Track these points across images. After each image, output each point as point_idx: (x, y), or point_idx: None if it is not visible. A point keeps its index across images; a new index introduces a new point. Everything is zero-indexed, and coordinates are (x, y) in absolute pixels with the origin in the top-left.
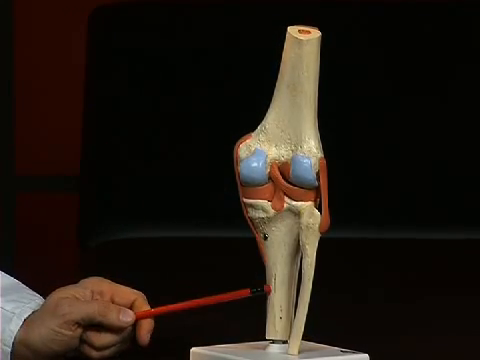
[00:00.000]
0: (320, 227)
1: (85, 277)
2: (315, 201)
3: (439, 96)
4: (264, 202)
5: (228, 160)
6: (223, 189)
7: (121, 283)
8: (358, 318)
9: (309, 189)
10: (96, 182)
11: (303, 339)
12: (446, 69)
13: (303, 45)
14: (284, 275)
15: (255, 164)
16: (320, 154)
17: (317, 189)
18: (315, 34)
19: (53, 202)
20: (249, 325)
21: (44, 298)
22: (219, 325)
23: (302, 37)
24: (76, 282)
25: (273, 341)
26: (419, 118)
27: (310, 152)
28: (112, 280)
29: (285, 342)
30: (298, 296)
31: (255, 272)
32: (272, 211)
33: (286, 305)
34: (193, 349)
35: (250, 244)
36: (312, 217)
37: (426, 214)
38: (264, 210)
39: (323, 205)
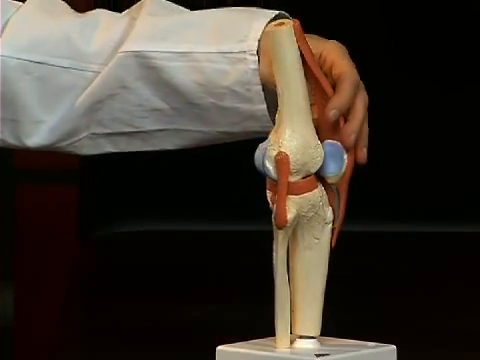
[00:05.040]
0: (275, 222)
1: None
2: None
3: (441, 89)
4: (269, 193)
5: (228, 153)
6: (222, 183)
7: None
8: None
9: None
10: (96, 175)
11: (329, 335)
12: (446, 63)
13: (271, 36)
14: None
15: (257, 153)
16: (283, 148)
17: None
18: (286, 25)
19: (53, 195)
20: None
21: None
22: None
23: (270, 29)
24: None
25: (301, 336)
26: (422, 112)
27: (274, 144)
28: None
29: (312, 337)
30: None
31: (255, 265)
32: (271, 203)
33: (312, 299)
34: (219, 347)
35: (251, 238)
36: (274, 212)
37: (425, 208)
38: (269, 201)
39: (277, 200)
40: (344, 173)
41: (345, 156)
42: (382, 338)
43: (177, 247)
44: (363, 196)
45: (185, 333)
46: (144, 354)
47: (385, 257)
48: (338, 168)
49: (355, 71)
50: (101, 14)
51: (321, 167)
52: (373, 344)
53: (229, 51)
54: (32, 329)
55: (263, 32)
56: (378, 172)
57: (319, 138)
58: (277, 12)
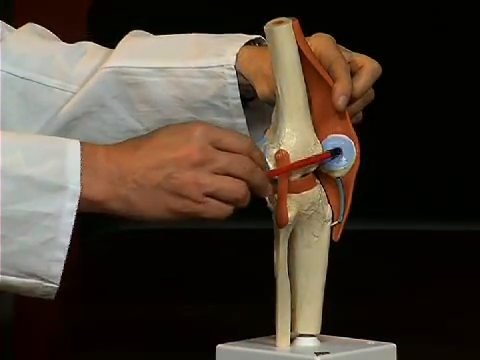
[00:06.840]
0: (276, 221)
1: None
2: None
3: (442, 89)
4: None
5: None
6: None
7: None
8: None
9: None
10: None
11: (334, 334)
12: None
13: (270, 34)
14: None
15: None
16: (283, 146)
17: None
18: (285, 23)
19: None
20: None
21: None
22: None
23: (269, 27)
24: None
25: (301, 334)
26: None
27: (273, 143)
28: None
29: (312, 336)
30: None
31: (254, 265)
32: (269, 202)
33: (312, 297)
34: (219, 346)
35: (250, 237)
36: (274, 210)
37: (424, 207)
38: (268, 199)
39: (278, 198)
40: (353, 165)
41: (354, 148)
42: (382, 337)
43: (177, 247)
44: (363, 195)
45: (185, 333)
46: (144, 354)
47: (385, 257)
48: (350, 161)
49: (342, 59)
50: (88, 45)
51: (330, 162)
52: (373, 342)
53: (207, 66)
54: (32, 329)
55: (245, 53)
56: (378, 172)
57: (319, 137)
58: (257, 36)
